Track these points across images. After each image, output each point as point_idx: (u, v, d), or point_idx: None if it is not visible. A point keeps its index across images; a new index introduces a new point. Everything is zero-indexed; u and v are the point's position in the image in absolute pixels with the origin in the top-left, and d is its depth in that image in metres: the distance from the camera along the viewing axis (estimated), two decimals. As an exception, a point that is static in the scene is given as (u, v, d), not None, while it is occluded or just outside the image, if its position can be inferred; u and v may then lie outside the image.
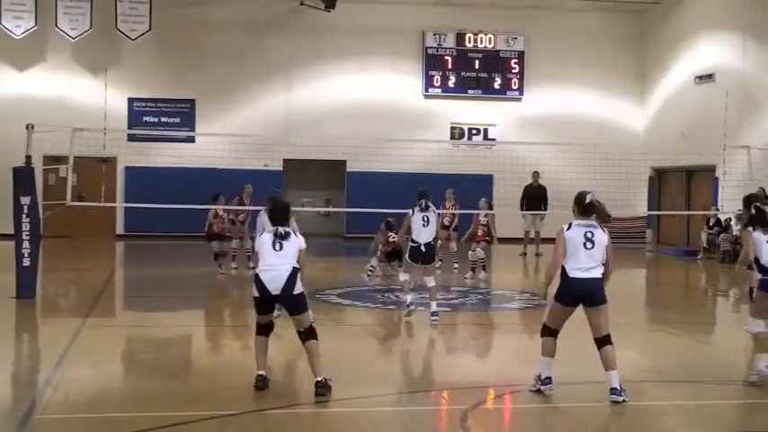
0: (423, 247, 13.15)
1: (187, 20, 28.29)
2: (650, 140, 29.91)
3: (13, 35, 26.66)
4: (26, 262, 14.52)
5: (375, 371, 9.97)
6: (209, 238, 18.59)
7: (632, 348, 12.10)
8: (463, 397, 8.67)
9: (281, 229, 8.67)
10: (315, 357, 8.53)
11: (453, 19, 29.66)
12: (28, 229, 14.58)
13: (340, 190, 29.24)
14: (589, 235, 8.43)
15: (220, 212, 18.54)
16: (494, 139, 29.59)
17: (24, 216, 14.60)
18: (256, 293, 8.55)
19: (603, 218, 8.64)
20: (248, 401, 8.15)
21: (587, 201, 8.53)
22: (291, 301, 8.55)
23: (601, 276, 8.48)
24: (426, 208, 13.26)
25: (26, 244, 14.53)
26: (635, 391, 9.32)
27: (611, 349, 8.52)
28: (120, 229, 28.26)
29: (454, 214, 20.02)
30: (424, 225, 13.18)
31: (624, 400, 8.38)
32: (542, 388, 8.55)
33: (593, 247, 8.42)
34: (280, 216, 8.88)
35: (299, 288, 8.54)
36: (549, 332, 8.65)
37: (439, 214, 14.34)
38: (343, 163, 28.49)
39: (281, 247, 8.55)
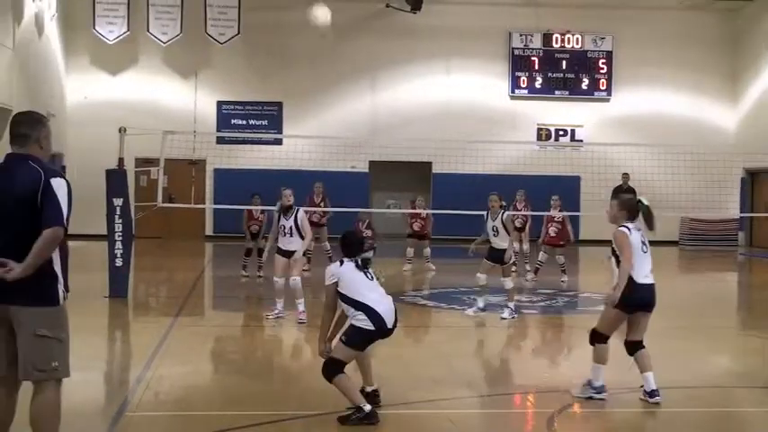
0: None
1: (274, 23, 28.61)
2: (743, 141, 29.24)
3: (106, 41, 27.29)
4: (118, 262, 14.84)
5: (459, 372, 9.94)
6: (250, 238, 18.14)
7: (724, 353, 11.86)
8: (549, 400, 8.58)
9: (361, 259, 7.96)
10: (369, 365, 8.14)
11: (540, 19, 29.43)
12: (120, 230, 14.90)
13: (425, 192, 29.24)
14: (643, 239, 8.39)
15: (255, 213, 17.97)
16: (581, 141, 29.28)
17: (117, 217, 14.94)
18: (371, 327, 7.65)
19: (652, 223, 8.49)
20: (331, 402, 8.16)
21: (645, 204, 8.48)
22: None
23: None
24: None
25: (118, 245, 14.85)
26: (727, 396, 9.15)
27: (647, 351, 8.44)
28: (209, 230, 28.72)
29: (526, 215, 19.90)
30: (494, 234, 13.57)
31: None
32: (598, 396, 8.38)
33: (647, 252, 8.40)
34: (353, 249, 8.01)
35: None
36: (604, 339, 8.43)
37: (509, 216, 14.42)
38: (428, 165, 28.48)
39: (372, 277, 7.92)
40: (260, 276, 17.73)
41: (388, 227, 24.51)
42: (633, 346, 8.43)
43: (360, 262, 7.91)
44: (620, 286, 8.17)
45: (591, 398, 8.37)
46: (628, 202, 8.56)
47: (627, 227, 8.33)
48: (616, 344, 8.65)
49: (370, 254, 8.04)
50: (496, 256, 13.58)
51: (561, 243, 18.33)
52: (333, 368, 7.67)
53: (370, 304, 7.67)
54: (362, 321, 7.65)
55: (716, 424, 8.19)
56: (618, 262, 8.30)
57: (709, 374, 10.06)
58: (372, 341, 7.81)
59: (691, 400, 8.69)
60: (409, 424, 7.86)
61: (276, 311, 13.15)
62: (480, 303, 13.64)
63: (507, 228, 13.57)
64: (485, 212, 13.87)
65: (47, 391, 5.71)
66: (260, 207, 17.85)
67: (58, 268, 5.72)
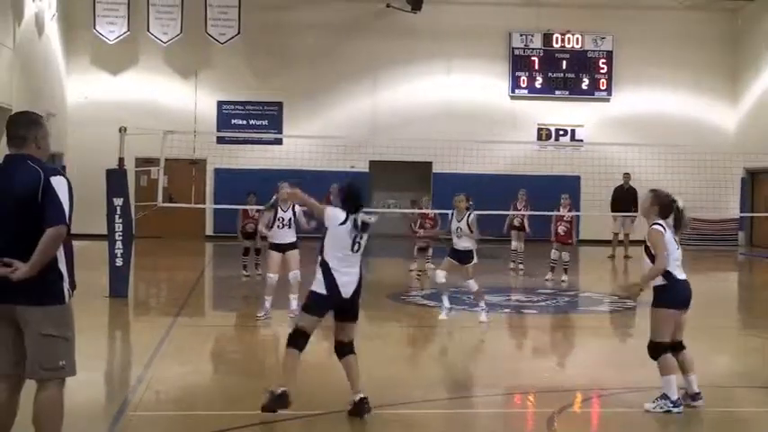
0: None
1: (275, 23, 28.60)
2: (743, 141, 29.22)
3: (106, 40, 27.27)
4: (119, 262, 14.83)
5: (459, 372, 9.94)
6: (245, 237, 18.16)
7: (724, 353, 11.86)
8: (550, 400, 8.58)
9: (361, 220, 7.75)
10: (358, 372, 7.90)
11: (540, 19, 29.39)
12: (120, 229, 14.90)
13: (426, 191, 29.23)
14: (676, 237, 8.23)
15: (251, 212, 17.79)
16: (581, 140, 29.27)
17: (117, 217, 14.93)
18: (324, 291, 7.70)
19: (681, 224, 8.28)
20: (330, 401, 8.16)
21: (681, 206, 8.24)
22: (356, 305, 7.89)
23: None
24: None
25: (119, 244, 14.84)
26: (728, 396, 9.14)
27: (689, 352, 8.26)
28: (209, 230, 28.71)
29: (524, 215, 19.97)
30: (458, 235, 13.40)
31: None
32: (676, 410, 8.01)
33: (679, 248, 8.22)
34: (356, 200, 7.86)
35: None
36: (668, 348, 8.09)
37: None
38: (428, 164, 28.45)
39: (358, 248, 7.80)
40: (260, 275, 17.74)
41: (388, 227, 24.49)
42: (678, 347, 8.18)
43: (356, 222, 7.72)
44: (649, 283, 8.03)
45: (668, 412, 8.00)
46: (663, 199, 8.26)
47: (661, 225, 8.10)
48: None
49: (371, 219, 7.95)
50: (458, 257, 13.35)
51: (570, 242, 18.35)
52: (293, 337, 7.88)
53: (332, 268, 7.70)
54: (318, 284, 7.74)
55: (716, 424, 8.19)
56: (651, 259, 8.07)
57: (711, 374, 10.05)
58: (326, 307, 7.80)
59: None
60: (409, 424, 7.85)
61: (264, 312, 13.06)
62: (446, 303, 13.37)
63: (472, 229, 13.21)
64: (450, 212, 13.61)
65: (50, 389, 5.71)
66: (255, 207, 17.83)
67: (62, 266, 5.73)
